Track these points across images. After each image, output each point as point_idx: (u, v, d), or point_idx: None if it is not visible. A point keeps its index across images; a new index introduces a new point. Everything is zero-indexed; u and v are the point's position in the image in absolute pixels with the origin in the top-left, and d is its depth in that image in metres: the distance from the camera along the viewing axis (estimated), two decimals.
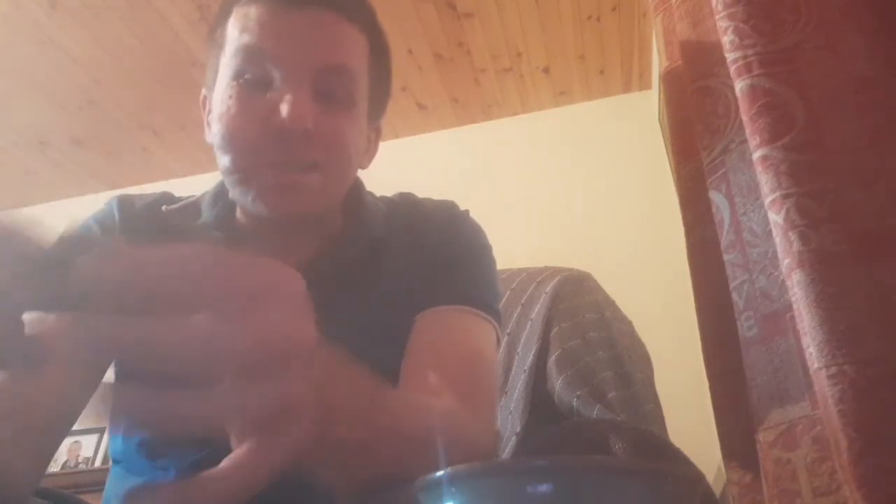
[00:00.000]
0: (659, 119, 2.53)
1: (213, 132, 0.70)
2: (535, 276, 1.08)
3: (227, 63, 0.68)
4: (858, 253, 0.54)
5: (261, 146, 0.65)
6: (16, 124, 2.90)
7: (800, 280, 0.54)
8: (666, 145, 2.45)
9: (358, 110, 0.72)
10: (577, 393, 0.90)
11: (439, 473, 0.22)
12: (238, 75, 0.67)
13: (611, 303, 1.06)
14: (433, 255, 0.76)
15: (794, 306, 0.55)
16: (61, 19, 2.42)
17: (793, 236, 0.55)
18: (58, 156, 3.10)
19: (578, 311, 1.00)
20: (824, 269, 0.54)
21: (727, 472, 0.73)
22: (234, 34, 0.68)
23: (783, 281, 0.62)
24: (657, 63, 2.06)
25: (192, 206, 0.78)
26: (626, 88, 2.88)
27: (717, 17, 0.66)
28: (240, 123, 0.66)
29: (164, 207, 0.77)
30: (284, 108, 0.63)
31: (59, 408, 0.59)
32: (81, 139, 3.01)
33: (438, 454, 0.47)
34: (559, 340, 0.97)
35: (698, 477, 0.52)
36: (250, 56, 0.66)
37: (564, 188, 2.74)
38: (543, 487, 0.21)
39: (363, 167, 0.79)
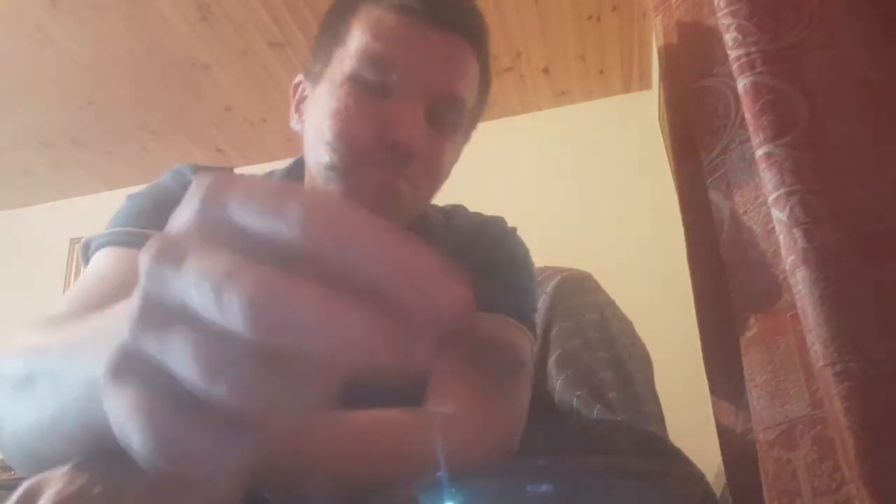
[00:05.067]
0: (659, 119, 2.53)
1: (318, 125, 0.69)
2: None
3: (346, 60, 0.68)
4: (863, 251, 0.54)
5: (370, 150, 0.66)
6: (16, 124, 2.90)
7: (804, 277, 0.54)
8: (666, 145, 2.45)
9: (458, 139, 0.74)
10: (577, 393, 0.90)
11: (439, 473, 0.22)
12: (357, 76, 0.67)
13: (611, 303, 1.05)
14: (482, 265, 0.77)
15: (798, 303, 0.55)
16: (61, 19, 2.42)
17: (797, 233, 0.55)
18: (58, 156, 3.10)
19: (578, 311, 1.00)
20: (829, 267, 0.54)
21: (727, 472, 0.73)
22: (363, 35, 0.67)
23: (783, 280, 0.62)
24: (657, 63, 2.06)
25: None
26: (626, 88, 2.87)
27: (718, 14, 0.66)
28: (354, 125, 0.66)
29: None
30: (402, 122, 0.64)
31: None
32: (81, 139, 3.01)
33: (423, 465, 0.48)
34: (559, 340, 0.97)
35: (698, 477, 0.52)
36: (377, 62, 0.66)
37: (564, 188, 2.74)
38: (544, 488, 0.21)
39: None
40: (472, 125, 0.80)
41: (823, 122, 0.59)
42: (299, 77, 0.78)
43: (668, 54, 0.87)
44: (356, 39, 0.68)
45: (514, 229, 0.86)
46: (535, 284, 0.83)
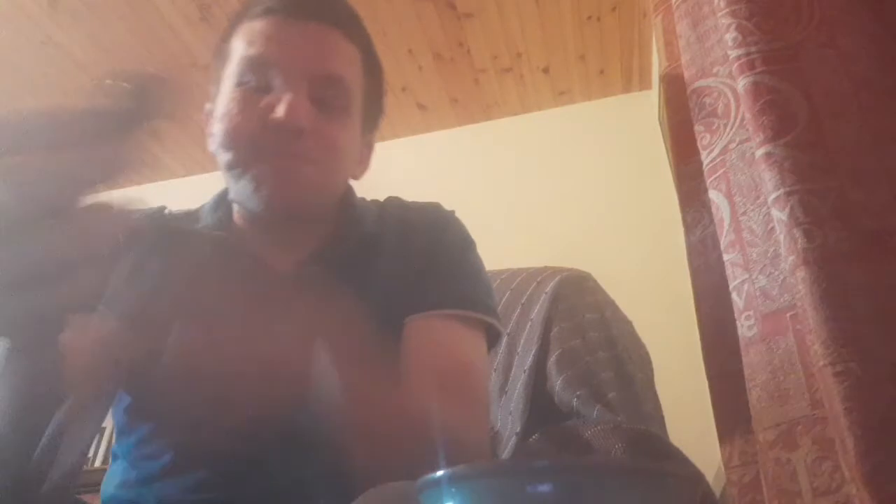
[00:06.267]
0: (659, 119, 2.53)
1: (215, 134, 0.73)
2: (534, 277, 1.08)
3: (230, 73, 0.73)
4: (863, 251, 0.54)
5: (259, 140, 0.68)
6: None
7: (804, 277, 0.54)
8: (666, 145, 2.45)
9: (351, 120, 0.76)
10: (577, 393, 0.90)
11: (439, 473, 0.22)
12: (241, 82, 0.71)
13: (611, 303, 1.05)
14: (421, 253, 0.78)
15: (799, 303, 0.55)
16: (61, 19, 2.42)
17: (797, 233, 0.55)
18: None
19: (578, 312, 1.00)
20: (829, 267, 0.54)
21: (727, 472, 0.73)
22: (240, 46, 0.73)
23: (783, 280, 0.62)
24: (657, 63, 2.06)
25: (194, 213, 0.81)
26: (626, 88, 2.87)
27: (718, 14, 0.66)
28: (240, 121, 0.69)
29: (166, 211, 0.79)
30: (282, 106, 0.67)
31: None
32: None
33: (435, 451, 0.49)
34: (559, 340, 0.97)
35: (698, 477, 0.52)
36: (253, 64, 0.71)
37: (564, 188, 2.74)
38: (543, 488, 0.21)
39: (356, 178, 0.82)
40: (371, 117, 0.81)
41: (823, 122, 0.59)
42: (208, 104, 0.80)
43: (668, 54, 0.87)
44: (236, 52, 0.73)
45: (451, 212, 0.85)
46: (481, 266, 0.82)
